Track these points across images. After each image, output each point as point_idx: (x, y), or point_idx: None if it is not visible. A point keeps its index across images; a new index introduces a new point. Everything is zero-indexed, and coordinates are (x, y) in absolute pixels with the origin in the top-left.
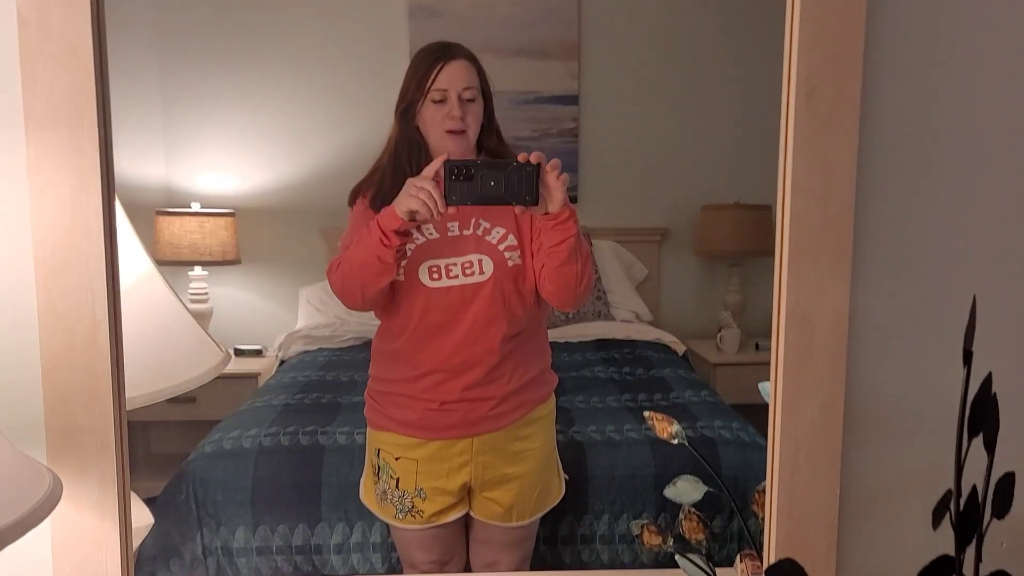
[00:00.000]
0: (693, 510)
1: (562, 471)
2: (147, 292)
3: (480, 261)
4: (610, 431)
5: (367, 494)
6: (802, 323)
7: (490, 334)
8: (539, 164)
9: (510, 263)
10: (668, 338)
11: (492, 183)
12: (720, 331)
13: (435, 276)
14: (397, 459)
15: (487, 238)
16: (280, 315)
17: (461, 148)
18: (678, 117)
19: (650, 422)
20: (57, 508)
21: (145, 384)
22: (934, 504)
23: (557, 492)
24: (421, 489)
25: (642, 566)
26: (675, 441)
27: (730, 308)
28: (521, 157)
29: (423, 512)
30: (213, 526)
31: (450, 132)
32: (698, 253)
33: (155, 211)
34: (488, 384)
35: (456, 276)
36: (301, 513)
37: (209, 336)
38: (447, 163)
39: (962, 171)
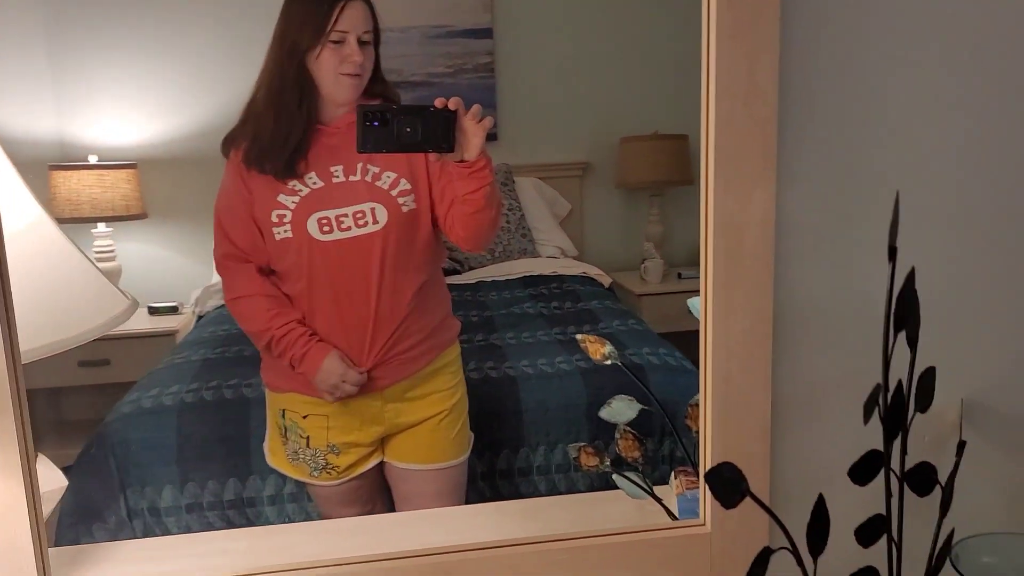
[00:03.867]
0: (628, 429)
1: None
2: (37, 239)
3: (373, 210)
4: (542, 364)
5: (275, 456)
6: (730, 230)
7: (398, 286)
8: (456, 110)
9: (404, 209)
10: (594, 271)
11: (408, 129)
12: (644, 262)
13: (326, 229)
14: (305, 417)
15: (378, 184)
16: (194, 269)
17: (356, 91)
18: (595, 49)
19: (583, 345)
20: None
21: (42, 335)
22: (860, 403)
23: (470, 438)
24: (334, 445)
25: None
26: (608, 362)
27: (652, 239)
28: (438, 102)
29: (338, 467)
30: (137, 487)
31: (346, 75)
32: (619, 185)
33: (48, 166)
34: (395, 335)
35: (348, 228)
36: (231, 467)
37: (113, 284)
38: (361, 108)
39: (883, 68)
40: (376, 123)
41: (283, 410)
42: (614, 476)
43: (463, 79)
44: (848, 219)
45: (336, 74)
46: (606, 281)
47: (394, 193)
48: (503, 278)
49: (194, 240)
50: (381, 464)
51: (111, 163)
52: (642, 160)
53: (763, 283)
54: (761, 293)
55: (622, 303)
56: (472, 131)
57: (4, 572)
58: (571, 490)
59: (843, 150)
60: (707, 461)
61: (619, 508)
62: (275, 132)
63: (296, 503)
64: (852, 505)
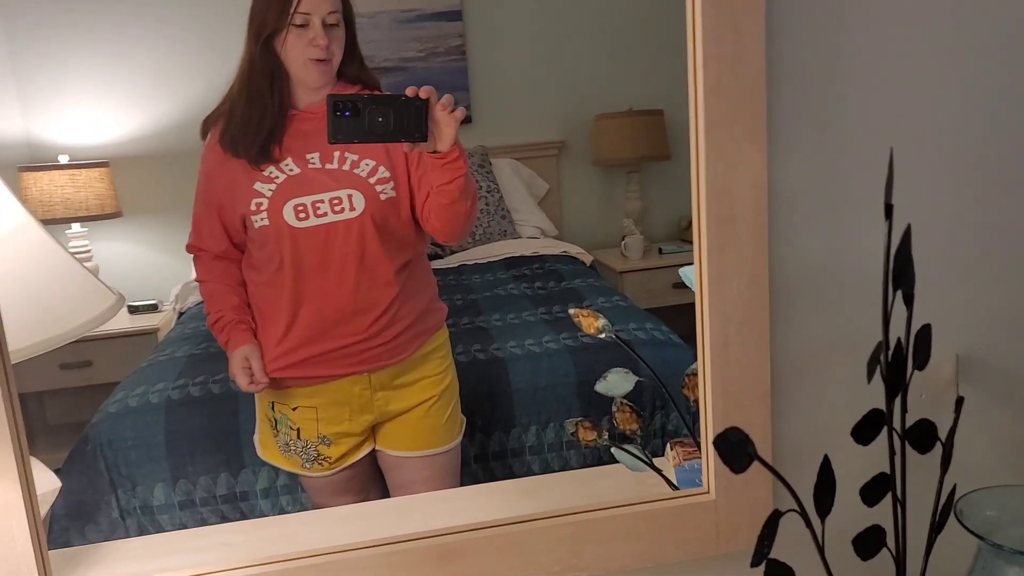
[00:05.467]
0: (624, 401)
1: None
2: (22, 241)
3: (350, 196)
4: (529, 344)
5: (266, 449)
6: (722, 196)
7: (378, 272)
8: (428, 99)
9: (383, 196)
10: (574, 250)
11: (380, 119)
12: (624, 239)
13: (302, 215)
14: (295, 409)
15: (356, 171)
16: (172, 266)
17: (324, 76)
18: (566, 26)
19: (576, 319)
20: None
21: (32, 334)
22: (859, 364)
23: (462, 422)
24: (324, 436)
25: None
26: (602, 335)
27: (631, 215)
28: (410, 91)
29: (330, 458)
30: (128, 486)
31: (314, 60)
32: (596, 163)
33: (18, 167)
34: (380, 321)
35: (324, 214)
36: (222, 462)
37: (98, 279)
38: (331, 98)
39: (872, 24)
40: (347, 113)
41: (272, 402)
42: (613, 449)
43: (435, 62)
44: (841, 178)
45: (304, 59)
46: (587, 259)
47: (372, 180)
48: (485, 260)
49: (170, 237)
50: (373, 452)
51: (83, 162)
52: (618, 137)
53: (758, 247)
54: (756, 257)
55: (604, 280)
56: (444, 121)
57: (3, 575)
58: (564, 468)
59: (834, 109)
60: (709, 428)
61: (617, 482)
62: (248, 117)
63: (290, 495)
64: (854, 465)
